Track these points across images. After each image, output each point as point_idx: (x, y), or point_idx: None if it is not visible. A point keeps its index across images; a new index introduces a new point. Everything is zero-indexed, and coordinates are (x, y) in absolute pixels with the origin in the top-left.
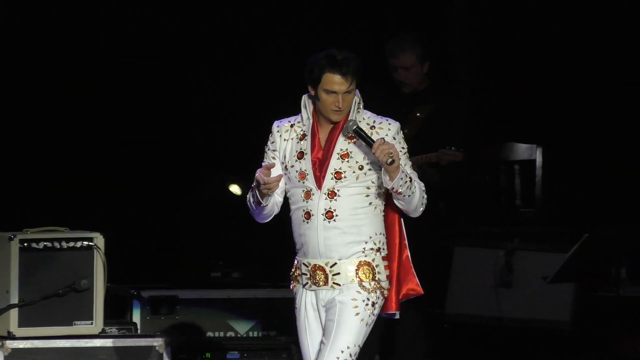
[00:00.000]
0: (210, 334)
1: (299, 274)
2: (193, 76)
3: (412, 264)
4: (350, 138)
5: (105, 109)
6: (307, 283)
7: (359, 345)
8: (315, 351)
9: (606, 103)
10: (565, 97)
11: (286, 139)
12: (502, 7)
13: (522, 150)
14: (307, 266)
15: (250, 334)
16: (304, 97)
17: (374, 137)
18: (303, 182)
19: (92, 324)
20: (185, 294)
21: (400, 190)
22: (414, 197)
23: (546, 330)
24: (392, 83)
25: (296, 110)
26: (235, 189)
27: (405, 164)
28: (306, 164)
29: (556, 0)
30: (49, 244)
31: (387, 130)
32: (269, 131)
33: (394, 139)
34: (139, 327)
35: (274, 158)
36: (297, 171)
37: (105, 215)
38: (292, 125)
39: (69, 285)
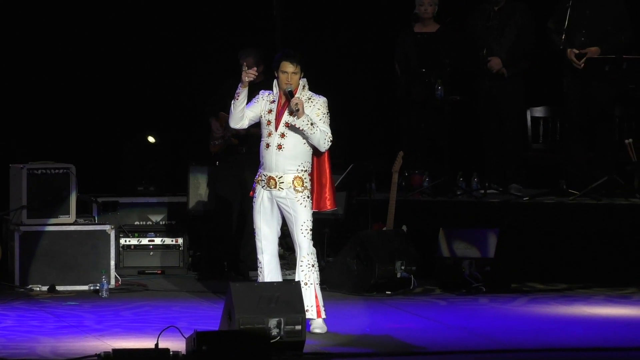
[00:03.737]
0: (137, 222)
1: (260, 179)
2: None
3: (329, 190)
4: (285, 98)
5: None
6: (264, 185)
7: (310, 220)
8: (260, 221)
9: None
10: None
11: (264, 100)
12: None
13: None
14: (265, 176)
15: (161, 222)
16: (275, 81)
17: (309, 106)
18: (268, 127)
19: (69, 216)
20: (123, 199)
21: (303, 128)
22: (315, 136)
23: (330, 219)
24: None
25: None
26: (151, 138)
27: (323, 121)
28: (272, 117)
29: None
30: (44, 171)
31: (316, 101)
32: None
33: (322, 106)
34: (96, 219)
35: (256, 102)
36: (266, 120)
37: (77, 153)
38: (269, 95)
39: (55, 195)
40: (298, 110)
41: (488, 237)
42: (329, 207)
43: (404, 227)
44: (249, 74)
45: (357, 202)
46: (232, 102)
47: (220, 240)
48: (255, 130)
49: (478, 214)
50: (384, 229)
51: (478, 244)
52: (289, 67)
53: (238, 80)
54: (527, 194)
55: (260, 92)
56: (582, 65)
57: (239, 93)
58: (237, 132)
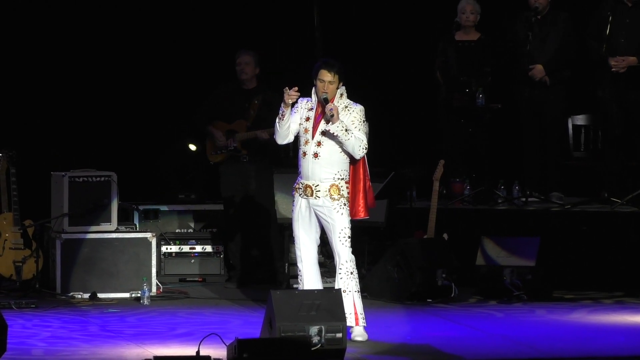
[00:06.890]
0: (178, 230)
1: (298, 187)
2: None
3: (362, 199)
4: (321, 105)
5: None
6: (301, 194)
7: (348, 228)
8: (299, 230)
9: None
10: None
11: (303, 108)
12: None
13: None
14: (302, 184)
15: (202, 230)
16: (313, 89)
17: (345, 114)
18: (305, 135)
19: (110, 224)
20: (164, 207)
21: (337, 134)
22: (349, 143)
23: (370, 227)
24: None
25: None
26: (192, 146)
27: (358, 129)
28: (309, 125)
29: None
30: (85, 179)
31: (353, 109)
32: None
33: (358, 114)
34: (137, 226)
35: (296, 111)
36: (304, 127)
37: (118, 161)
38: (307, 102)
39: (97, 203)
40: (333, 115)
41: (529, 245)
42: (362, 216)
43: (445, 235)
44: (291, 95)
45: (398, 210)
46: (277, 121)
47: (234, 249)
48: (260, 135)
49: (519, 222)
50: (425, 237)
51: (519, 252)
52: (326, 76)
53: (226, 86)
54: (568, 202)
55: (299, 100)
56: (623, 69)
57: (283, 113)
58: (242, 140)
